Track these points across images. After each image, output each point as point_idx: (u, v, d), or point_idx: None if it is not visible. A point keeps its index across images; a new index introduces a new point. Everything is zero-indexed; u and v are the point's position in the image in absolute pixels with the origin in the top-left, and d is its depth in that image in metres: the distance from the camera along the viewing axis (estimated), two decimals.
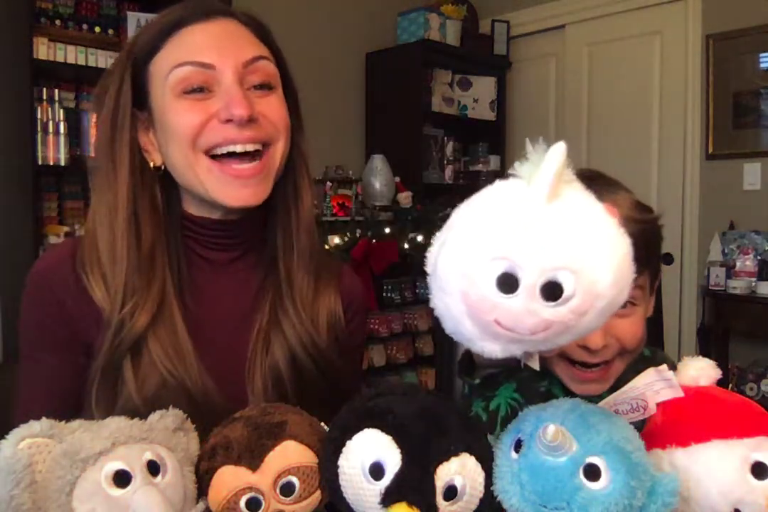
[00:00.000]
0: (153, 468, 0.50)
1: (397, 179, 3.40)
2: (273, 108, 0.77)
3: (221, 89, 0.74)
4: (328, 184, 3.22)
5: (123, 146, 0.77)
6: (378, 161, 3.37)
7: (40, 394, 0.79)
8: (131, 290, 0.74)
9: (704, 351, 3.06)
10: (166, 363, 0.73)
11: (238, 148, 0.75)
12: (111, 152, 0.77)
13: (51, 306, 0.77)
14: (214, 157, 0.75)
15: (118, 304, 0.74)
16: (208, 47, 0.74)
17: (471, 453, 0.50)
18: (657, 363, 0.83)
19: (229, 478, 0.51)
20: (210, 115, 0.74)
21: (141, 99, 0.78)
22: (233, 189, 0.75)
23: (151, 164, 0.79)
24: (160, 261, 0.77)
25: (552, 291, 0.42)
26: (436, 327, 0.91)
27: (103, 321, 0.74)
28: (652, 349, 0.91)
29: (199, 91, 0.74)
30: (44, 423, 0.50)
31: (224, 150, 0.75)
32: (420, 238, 2.93)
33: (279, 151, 0.79)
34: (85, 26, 2.59)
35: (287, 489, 0.51)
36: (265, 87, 0.77)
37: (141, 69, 0.77)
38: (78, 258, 0.77)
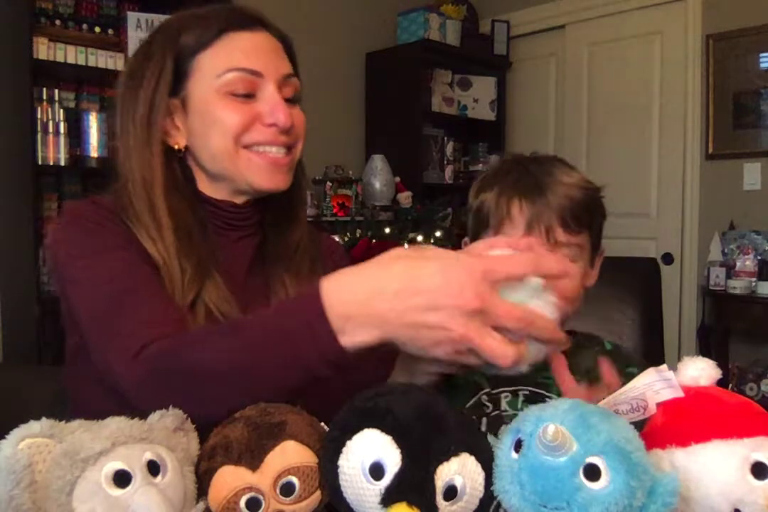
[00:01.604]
0: (153, 468, 0.50)
1: (397, 179, 3.40)
2: (299, 119, 0.89)
3: (264, 96, 0.84)
4: (328, 184, 3.22)
5: (158, 128, 0.85)
6: (378, 161, 3.38)
7: (150, 280, 0.77)
8: (180, 256, 0.81)
9: (704, 351, 3.07)
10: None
11: (274, 149, 0.86)
12: (147, 131, 0.85)
13: (107, 221, 0.81)
14: (249, 148, 0.85)
15: (175, 266, 0.80)
16: (257, 57, 0.84)
17: (471, 453, 0.50)
18: (621, 357, 0.84)
19: (229, 478, 0.51)
20: (254, 117, 0.84)
21: (175, 85, 0.85)
22: (270, 174, 0.86)
23: (175, 146, 0.87)
24: (196, 233, 0.85)
25: None
26: None
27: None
28: (615, 344, 0.92)
29: (246, 96, 0.84)
30: (44, 423, 0.50)
31: (261, 148, 0.86)
32: (420, 238, 2.93)
33: (297, 153, 0.91)
34: (85, 26, 2.59)
35: (287, 489, 0.51)
36: (293, 100, 0.88)
37: (184, 60, 0.84)
38: (120, 212, 0.83)
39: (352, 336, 0.58)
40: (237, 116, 0.83)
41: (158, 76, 0.84)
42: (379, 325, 0.57)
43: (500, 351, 0.55)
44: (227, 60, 0.83)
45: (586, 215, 0.83)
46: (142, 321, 0.71)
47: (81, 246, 0.79)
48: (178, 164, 0.88)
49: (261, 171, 0.85)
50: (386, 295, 0.56)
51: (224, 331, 0.66)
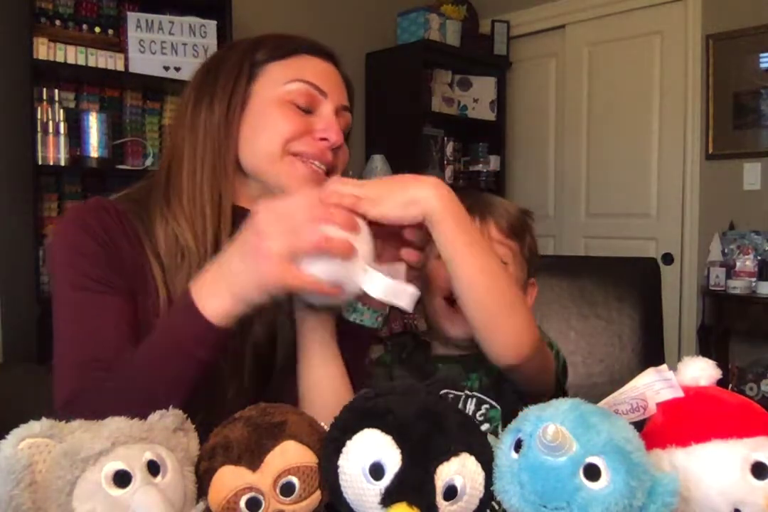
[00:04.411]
0: (153, 468, 0.50)
1: None
2: (344, 154, 0.91)
3: (321, 114, 0.86)
4: None
5: (235, 129, 0.85)
6: (378, 161, 3.38)
7: (109, 322, 0.78)
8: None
9: (704, 351, 3.07)
10: None
11: (317, 163, 0.86)
12: (227, 132, 0.85)
13: (100, 237, 0.81)
14: (295, 156, 0.86)
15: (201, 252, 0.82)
16: (325, 79, 0.87)
17: (471, 453, 0.50)
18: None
19: (229, 478, 0.51)
20: (308, 129, 0.85)
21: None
22: (307, 183, 0.85)
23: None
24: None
25: None
26: None
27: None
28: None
29: (304, 110, 0.85)
30: (44, 423, 0.50)
31: (306, 159, 0.86)
32: None
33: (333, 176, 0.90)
34: (85, 26, 2.59)
35: (287, 489, 0.51)
36: (344, 133, 0.89)
37: (254, 67, 0.86)
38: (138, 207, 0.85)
39: (211, 304, 0.68)
40: (292, 124, 0.84)
41: (235, 77, 0.86)
42: (225, 282, 0.68)
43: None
44: (297, 72, 0.86)
45: (518, 225, 0.93)
46: (89, 354, 0.75)
47: (65, 265, 0.80)
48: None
49: (300, 178, 0.85)
50: (225, 259, 0.69)
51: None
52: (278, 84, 0.85)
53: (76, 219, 0.82)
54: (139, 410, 0.57)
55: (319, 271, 0.66)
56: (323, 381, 0.78)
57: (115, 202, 0.85)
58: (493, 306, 0.72)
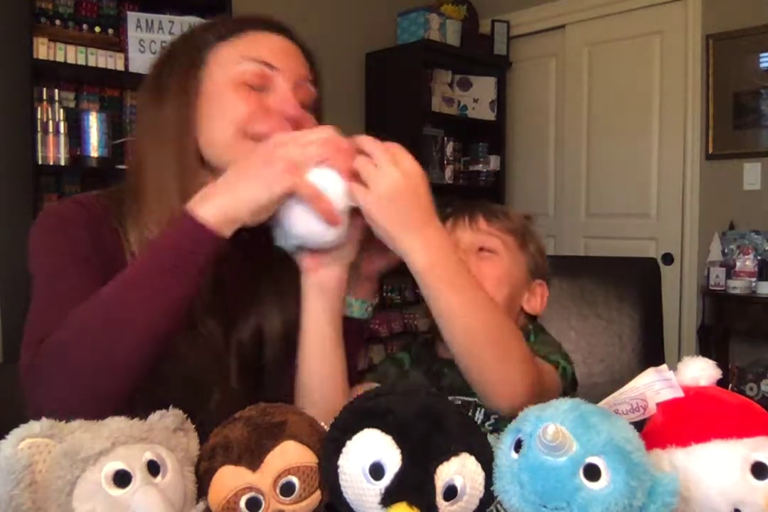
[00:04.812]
0: (153, 468, 0.50)
1: None
2: (310, 125, 0.85)
3: (276, 90, 0.83)
4: None
5: (191, 124, 0.83)
6: None
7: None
8: None
9: (704, 351, 3.06)
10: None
11: None
12: (184, 128, 0.82)
13: (80, 231, 0.80)
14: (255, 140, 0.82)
15: None
16: (276, 53, 0.84)
17: (471, 453, 0.50)
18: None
19: (229, 478, 0.51)
20: (260, 106, 0.82)
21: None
22: None
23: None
24: None
25: None
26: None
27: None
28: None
29: (259, 89, 0.82)
30: (44, 423, 0.50)
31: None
32: None
33: None
34: (85, 26, 2.59)
35: (287, 489, 0.51)
36: (307, 107, 0.86)
37: (201, 52, 0.84)
38: (116, 207, 0.83)
39: (205, 209, 0.67)
40: (244, 106, 0.81)
41: (186, 66, 0.83)
42: (220, 194, 0.68)
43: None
44: (246, 50, 0.83)
45: (515, 222, 0.93)
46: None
47: (41, 255, 0.83)
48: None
49: None
50: (219, 180, 0.70)
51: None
52: (228, 66, 0.82)
53: (56, 210, 0.84)
54: (111, 348, 0.60)
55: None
56: (323, 371, 0.77)
57: (98, 197, 0.85)
58: (484, 356, 0.68)
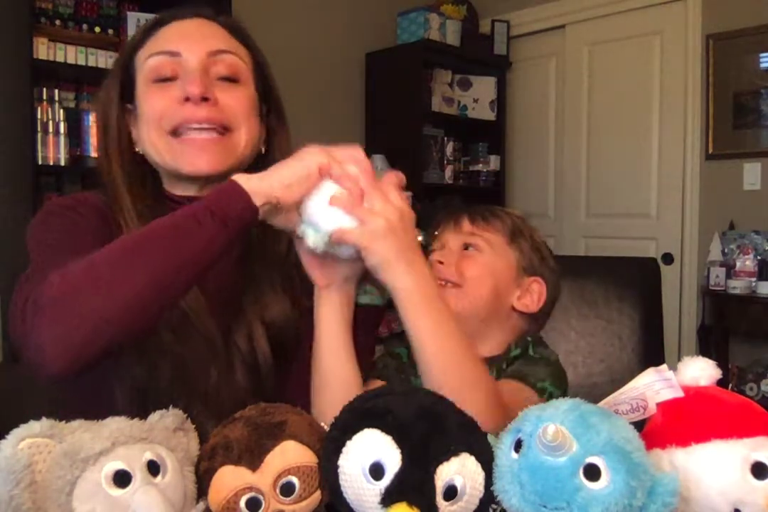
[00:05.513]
0: (153, 468, 0.50)
1: None
2: (235, 98, 0.83)
3: (184, 75, 0.81)
4: None
5: (113, 134, 0.85)
6: (378, 161, 3.37)
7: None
8: None
9: (704, 351, 3.06)
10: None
11: (195, 126, 0.81)
12: (105, 136, 0.85)
13: (90, 211, 0.82)
14: (176, 136, 0.82)
15: None
16: (177, 38, 0.82)
17: (471, 453, 0.50)
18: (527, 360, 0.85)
19: (229, 478, 0.51)
20: (172, 98, 0.81)
21: (131, 93, 0.85)
22: (189, 156, 0.82)
23: (139, 150, 0.86)
24: None
25: None
26: None
27: None
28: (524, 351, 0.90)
29: (168, 80, 0.81)
30: (44, 423, 0.50)
31: (186, 135, 0.81)
32: (420, 238, 2.92)
33: (242, 137, 0.85)
34: (85, 26, 2.59)
35: (287, 489, 0.51)
36: (230, 79, 0.84)
37: (128, 65, 0.85)
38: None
39: (250, 183, 0.65)
40: (154, 100, 0.81)
41: (108, 86, 0.86)
42: (265, 176, 0.67)
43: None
44: (151, 47, 0.83)
45: (509, 224, 0.94)
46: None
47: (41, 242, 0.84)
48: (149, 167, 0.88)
49: (181, 154, 0.82)
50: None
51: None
52: (141, 68, 0.83)
53: (65, 197, 0.86)
54: (121, 277, 0.60)
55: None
56: (335, 368, 0.77)
57: (97, 195, 0.87)
58: (448, 380, 0.69)
